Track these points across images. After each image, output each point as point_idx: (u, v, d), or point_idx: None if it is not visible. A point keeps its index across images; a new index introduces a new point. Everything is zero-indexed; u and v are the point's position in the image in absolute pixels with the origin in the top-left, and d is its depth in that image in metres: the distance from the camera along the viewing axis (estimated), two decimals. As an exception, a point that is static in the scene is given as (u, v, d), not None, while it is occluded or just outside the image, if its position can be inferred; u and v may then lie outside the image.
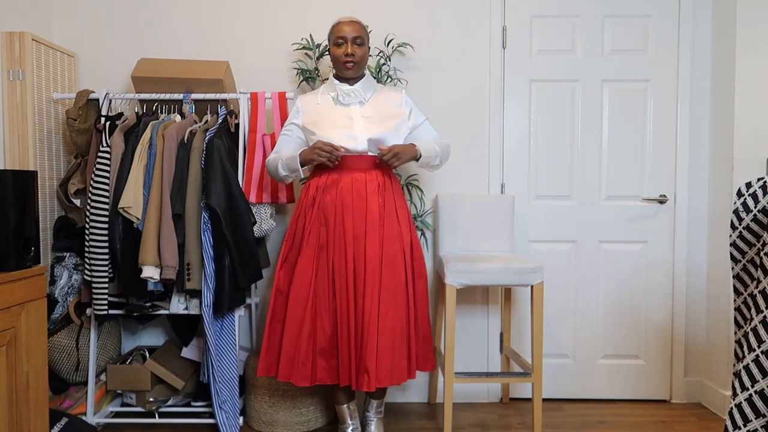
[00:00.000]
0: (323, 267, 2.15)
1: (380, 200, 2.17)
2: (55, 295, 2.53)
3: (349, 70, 2.20)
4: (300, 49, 2.79)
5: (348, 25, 2.19)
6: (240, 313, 2.54)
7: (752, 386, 1.34)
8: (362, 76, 2.28)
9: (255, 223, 2.49)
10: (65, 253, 2.58)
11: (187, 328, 2.70)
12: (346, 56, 2.17)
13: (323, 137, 2.17)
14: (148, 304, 2.50)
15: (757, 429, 1.34)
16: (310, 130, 2.23)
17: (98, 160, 2.41)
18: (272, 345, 2.22)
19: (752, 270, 1.51)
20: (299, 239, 2.21)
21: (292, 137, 2.31)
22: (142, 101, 2.68)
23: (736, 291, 1.57)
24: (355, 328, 2.12)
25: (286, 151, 2.29)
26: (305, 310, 2.14)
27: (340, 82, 2.26)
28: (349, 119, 2.19)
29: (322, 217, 2.17)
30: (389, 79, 2.77)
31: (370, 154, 2.19)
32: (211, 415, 2.50)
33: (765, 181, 1.47)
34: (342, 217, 2.14)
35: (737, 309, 1.56)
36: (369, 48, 2.28)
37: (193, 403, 2.67)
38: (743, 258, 1.53)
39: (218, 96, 2.58)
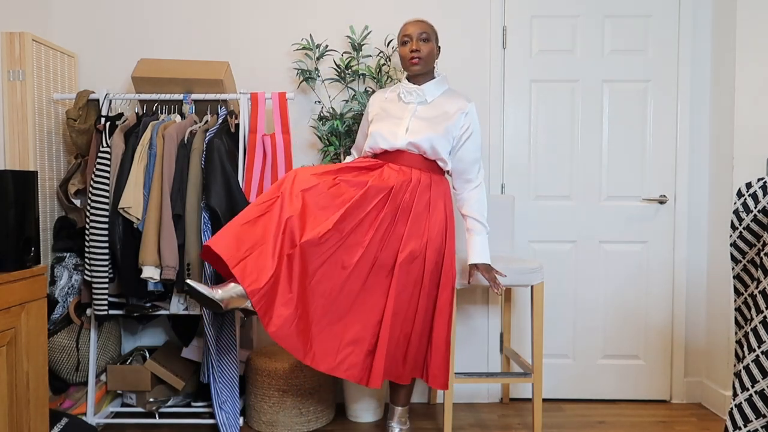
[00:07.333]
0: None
1: (427, 195, 2.16)
2: (55, 296, 2.53)
3: (414, 66, 2.22)
4: (300, 49, 2.78)
5: (413, 25, 2.24)
6: (240, 313, 2.54)
7: (752, 386, 1.34)
8: (432, 77, 2.29)
9: (255, 223, 2.49)
10: (65, 254, 2.58)
11: (187, 328, 2.70)
12: (412, 52, 2.20)
13: (375, 127, 2.24)
14: (148, 305, 2.50)
15: (757, 429, 1.34)
16: (370, 121, 2.32)
17: (98, 160, 2.41)
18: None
19: (752, 270, 1.51)
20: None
21: (363, 130, 2.42)
22: (142, 101, 2.68)
23: (737, 291, 1.57)
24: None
25: (359, 143, 2.45)
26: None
27: (410, 82, 2.29)
28: (401, 117, 2.22)
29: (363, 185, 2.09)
30: (389, 79, 2.77)
31: (410, 152, 2.18)
32: (211, 415, 2.50)
33: (765, 181, 1.47)
34: (387, 191, 2.08)
35: (737, 309, 1.56)
36: (439, 48, 2.30)
37: (193, 404, 2.67)
38: (743, 258, 1.53)
39: (218, 96, 2.58)
